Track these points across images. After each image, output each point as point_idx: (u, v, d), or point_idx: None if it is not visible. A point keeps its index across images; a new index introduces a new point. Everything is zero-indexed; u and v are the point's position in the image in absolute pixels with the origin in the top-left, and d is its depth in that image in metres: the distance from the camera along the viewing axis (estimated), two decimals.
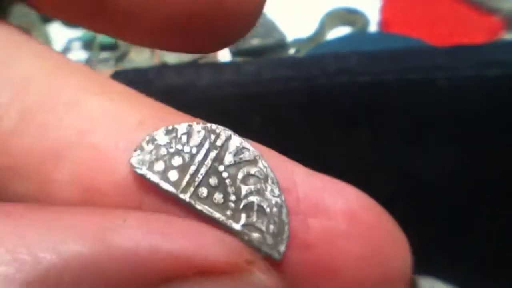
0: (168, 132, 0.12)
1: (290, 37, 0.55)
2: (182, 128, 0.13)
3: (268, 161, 0.13)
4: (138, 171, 0.12)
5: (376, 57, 0.27)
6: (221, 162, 0.13)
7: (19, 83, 0.12)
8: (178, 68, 0.27)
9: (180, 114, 0.13)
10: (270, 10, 0.57)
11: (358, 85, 0.27)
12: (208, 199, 0.12)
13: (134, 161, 0.12)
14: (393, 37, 0.52)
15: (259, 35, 0.54)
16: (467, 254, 0.33)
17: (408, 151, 0.30)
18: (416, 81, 0.26)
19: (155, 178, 0.12)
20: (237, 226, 0.12)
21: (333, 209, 0.12)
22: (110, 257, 0.10)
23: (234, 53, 0.55)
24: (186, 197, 0.12)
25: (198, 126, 0.13)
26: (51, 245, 0.09)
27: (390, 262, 0.13)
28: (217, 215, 0.12)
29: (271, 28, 0.55)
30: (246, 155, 0.13)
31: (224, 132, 0.13)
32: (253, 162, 0.13)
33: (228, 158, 0.13)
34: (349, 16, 0.56)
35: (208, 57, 0.55)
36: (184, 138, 0.13)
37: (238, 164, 0.13)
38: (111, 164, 0.12)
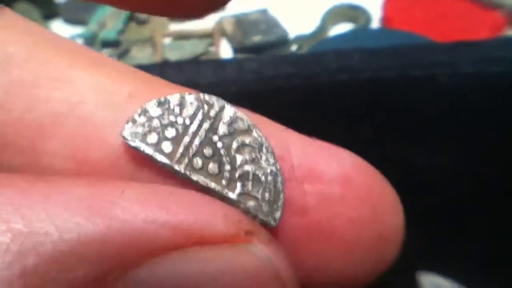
0: (160, 104, 0.12)
1: (292, 33, 0.55)
2: (174, 99, 0.12)
3: (262, 129, 0.13)
4: (131, 143, 0.12)
5: (378, 54, 0.27)
6: (215, 133, 0.12)
7: (3, 59, 0.12)
8: (179, 65, 0.27)
9: (172, 86, 0.13)
10: (272, 7, 0.57)
11: (359, 82, 0.27)
12: (203, 170, 0.12)
13: (126, 133, 0.12)
14: (395, 33, 0.52)
15: (261, 31, 0.54)
16: (468, 251, 0.33)
17: (409, 148, 0.30)
18: (417, 78, 0.26)
19: (149, 150, 0.12)
20: (232, 195, 0.12)
21: (328, 174, 0.13)
22: (108, 230, 0.09)
23: (236, 50, 0.55)
24: (181, 168, 0.12)
25: (191, 97, 0.13)
26: (47, 216, 0.09)
27: (384, 222, 0.13)
28: (212, 185, 0.12)
29: (273, 24, 0.55)
30: (240, 125, 0.13)
31: (217, 102, 0.13)
32: (247, 131, 0.13)
33: (222, 128, 0.13)
34: (351, 12, 0.56)
35: (210, 54, 0.55)
36: (177, 109, 0.12)
37: (232, 134, 0.13)
38: (103, 137, 0.12)
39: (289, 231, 0.12)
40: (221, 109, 0.13)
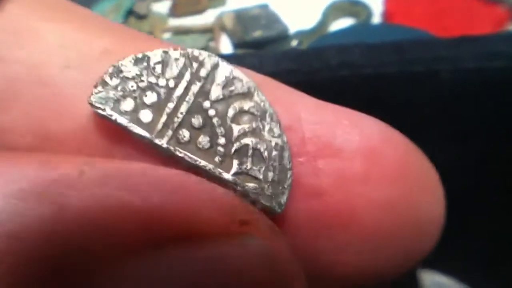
0: (137, 61, 0.10)
1: (292, 29, 0.55)
2: (155, 55, 0.10)
3: (266, 92, 0.11)
4: (100, 111, 0.09)
5: (379, 49, 0.27)
6: (206, 97, 0.10)
7: None
8: None
9: (154, 40, 0.11)
10: (273, 2, 0.57)
11: (360, 78, 0.26)
12: (191, 144, 0.10)
13: (94, 99, 0.09)
14: (397, 28, 0.51)
15: (261, 27, 0.54)
16: (469, 249, 0.33)
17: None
18: (419, 73, 0.26)
19: (122, 120, 0.10)
20: (227, 176, 0.10)
21: (348, 147, 0.10)
22: (56, 222, 0.07)
23: (236, 45, 0.55)
24: (162, 142, 0.10)
25: (176, 53, 0.10)
26: None
27: (420, 207, 0.10)
28: (202, 163, 0.10)
29: (274, 20, 0.55)
30: (238, 87, 0.10)
31: (209, 58, 0.10)
32: (247, 95, 0.10)
33: (216, 92, 0.10)
34: (352, 7, 0.56)
35: (210, 49, 0.55)
36: (159, 68, 0.10)
37: (228, 98, 0.10)
38: (69, 106, 0.10)
39: (298, 218, 0.10)
40: (214, 67, 0.10)
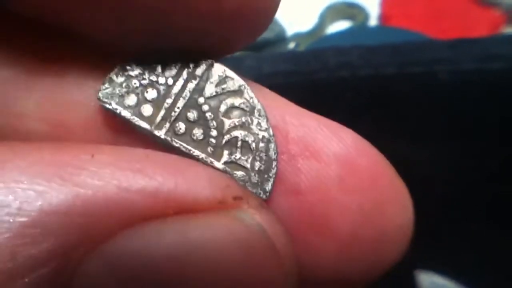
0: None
1: (290, 31, 0.55)
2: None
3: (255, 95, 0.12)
4: (107, 106, 0.11)
5: (377, 51, 0.27)
6: (201, 94, 0.11)
7: None
8: None
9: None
10: None
11: (358, 79, 0.27)
12: (186, 135, 0.11)
13: (102, 95, 0.11)
14: (393, 31, 0.52)
15: None
16: (467, 249, 0.33)
17: (408, 144, 0.29)
18: (417, 75, 0.26)
19: (126, 113, 0.11)
20: (218, 165, 0.11)
21: (327, 152, 0.11)
22: (74, 198, 0.08)
23: None
24: (161, 133, 0.11)
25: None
26: (3, 185, 0.08)
27: (389, 217, 0.11)
28: (196, 152, 0.11)
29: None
30: (229, 85, 0.12)
31: (204, 59, 0.12)
32: (238, 92, 0.12)
33: (209, 89, 0.11)
34: (349, 10, 0.56)
35: None
36: (159, 68, 0.11)
37: (220, 95, 0.12)
38: (80, 97, 0.11)
39: (279, 211, 0.11)
40: (209, 67, 0.12)
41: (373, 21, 0.56)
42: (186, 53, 0.11)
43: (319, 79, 0.27)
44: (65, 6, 0.10)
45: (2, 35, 0.11)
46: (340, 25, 0.56)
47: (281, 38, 0.54)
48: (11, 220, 0.08)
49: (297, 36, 0.54)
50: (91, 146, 0.09)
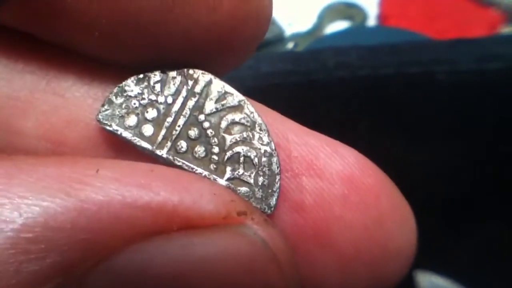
0: (139, 81, 0.11)
1: (288, 31, 0.55)
2: (155, 75, 0.11)
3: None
4: (107, 128, 0.11)
5: (375, 51, 0.27)
6: (201, 111, 0.11)
7: None
8: None
9: None
10: None
11: (357, 79, 0.27)
12: (188, 153, 0.11)
13: (102, 117, 0.11)
14: (392, 31, 0.52)
15: None
16: (466, 249, 0.33)
17: (407, 145, 0.29)
18: (415, 75, 0.26)
19: (127, 134, 0.11)
20: (221, 181, 0.11)
21: (329, 170, 0.11)
22: (79, 214, 0.08)
23: None
24: (163, 153, 0.11)
25: (173, 72, 0.12)
26: (8, 200, 0.08)
27: (391, 235, 0.11)
28: (199, 170, 0.11)
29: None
30: (229, 101, 0.12)
31: (202, 76, 0.12)
32: (238, 108, 0.12)
33: (209, 106, 0.12)
34: (347, 10, 0.56)
35: None
36: (158, 86, 0.11)
37: (220, 111, 0.12)
38: (80, 117, 0.11)
39: (281, 227, 0.11)
40: (208, 84, 0.12)
41: (371, 21, 0.56)
42: (184, 67, 0.12)
43: (318, 79, 0.27)
44: (57, 25, 0.10)
45: (2, 52, 0.11)
46: (338, 25, 0.56)
47: (280, 38, 0.54)
48: (15, 236, 0.08)
49: (296, 36, 0.54)
50: (96, 160, 0.09)
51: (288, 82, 0.27)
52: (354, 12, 0.56)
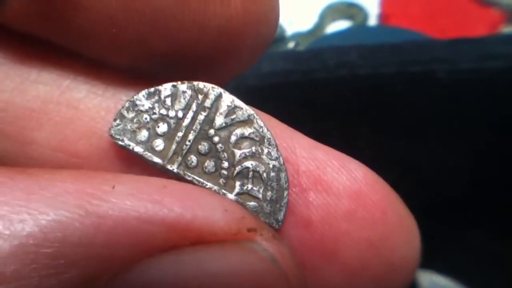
0: (150, 96, 0.11)
1: (289, 30, 0.55)
2: (165, 89, 0.12)
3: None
4: (119, 142, 0.11)
5: (376, 50, 0.27)
6: (211, 125, 0.12)
7: None
8: None
9: None
10: None
11: (358, 78, 0.27)
12: (198, 168, 0.11)
13: (114, 131, 0.11)
14: (393, 30, 0.52)
15: None
16: (466, 248, 0.33)
17: (408, 144, 0.30)
18: (416, 74, 0.26)
19: (138, 149, 0.11)
20: (231, 196, 0.11)
21: (336, 185, 0.11)
22: (97, 229, 0.09)
23: None
24: (173, 167, 0.11)
25: (183, 86, 0.12)
26: (29, 215, 0.08)
27: (396, 249, 0.12)
28: (209, 185, 0.11)
29: None
30: (239, 115, 0.12)
31: (212, 90, 0.12)
32: (247, 122, 0.12)
33: (219, 120, 0.12)
34: (348, 9, 0.56)
35: None
36: (169, 101, 0.12)
37: (230, 126, 0.12)
38: (93, 129, 0.11)
39: (289, 242, 0.11)
40: (217, 98, 0.12)
41: (372, 21, 0.56)
42: (196, 73, 0.12)
43: (319, 78, 0.27)
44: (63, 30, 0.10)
45: (17, 61, 0.11)
46: (339, 25, 0.56)
47: (281, 37, 0.54)
48: (37, 251, 0.08)
49: (297, 36, 0.54)
50: (111, 175, 0.10)
51: (289, 81, 0.27)
52: (355, 12, 0.56)
